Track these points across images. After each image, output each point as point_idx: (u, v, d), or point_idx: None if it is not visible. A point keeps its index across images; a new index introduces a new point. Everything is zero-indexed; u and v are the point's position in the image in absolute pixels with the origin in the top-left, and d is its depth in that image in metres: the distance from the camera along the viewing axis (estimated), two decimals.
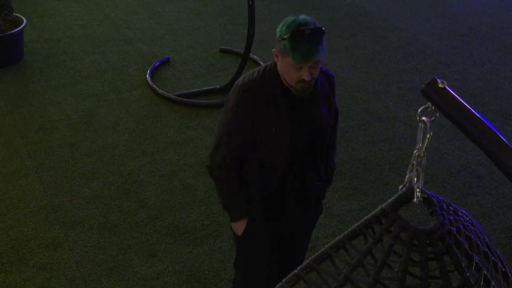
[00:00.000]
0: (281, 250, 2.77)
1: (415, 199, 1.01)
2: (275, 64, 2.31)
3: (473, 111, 0.99)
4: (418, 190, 1.01)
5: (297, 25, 2.14)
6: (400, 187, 1.04)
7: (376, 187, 4.00)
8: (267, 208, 2.49)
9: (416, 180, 1.02)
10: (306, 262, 1.01)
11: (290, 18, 2.19)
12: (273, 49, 2.26)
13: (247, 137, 2.37)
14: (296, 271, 1.00)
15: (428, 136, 1.01)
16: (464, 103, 1.00)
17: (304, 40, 2.11)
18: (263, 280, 2.75)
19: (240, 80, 2.38)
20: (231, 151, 2.39)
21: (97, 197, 3.83)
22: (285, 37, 2.14)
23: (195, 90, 5.01)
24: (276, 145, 2.36)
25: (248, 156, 2.41)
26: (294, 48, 2.12)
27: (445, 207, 1.05)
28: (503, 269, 1.06)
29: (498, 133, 0.99)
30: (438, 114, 1.03)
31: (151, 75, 5.15)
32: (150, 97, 4.90)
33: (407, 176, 1.04)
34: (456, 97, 0.99)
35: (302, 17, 2.19)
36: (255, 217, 2.53)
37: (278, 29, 2.20)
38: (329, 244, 1.01)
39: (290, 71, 2.20)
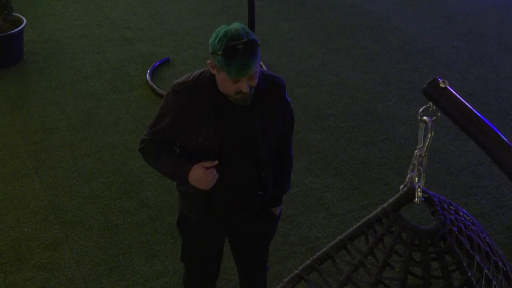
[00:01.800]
0: (235, 253, 2.75)
1: (416, 199, 1.00)
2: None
3: (474, 110, 0.99)
4: (419, 190, 1.01)
5: (229, 39, 2.06)
6: (401, 187, 1.03)
7: (376, 187, 4.00)
8: (206, 208, 2.44)
9: (418, 180, 1.02)
10: (307, 262, 1.01)
11: (221, 30, 2.11)
12: (208, 61, 2.19)
13: (169, 137, 2.36)
14: (297, 271, 1.00)
15: (429, 136, 1.01)
16: (466, 102, 0.99)
17: (237, 55, 2.05)
18: (207, 278, 2.74)
19: (177, 80, 2.36)
20: (153, 141, 2.39)
21: (97, 197, 3.83)
22: (218, 53, 2.07)
23: None
24: (202, 152, 2.30)
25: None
26: (228, 64, 2.06)
27: (446, 206, 1.05)
28: (504, 268, 1.06)
29: (499, 133, 0.99)
30: (439, 114, 1.03)
31: (151, 75, 5.15)
32: (150, 97, 4.90)
33: (408, 176, 1.03)
34: (458, 97, 0.99)
35: (235, 27, 2.10)
36: (194, 216, 2.49)
37: (210, 41, 2.12)
38: (330, 244, 1.01)
39: (227, 84, 2.15)
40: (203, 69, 2.32)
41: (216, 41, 2.09)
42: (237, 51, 2.05)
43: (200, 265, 2.70)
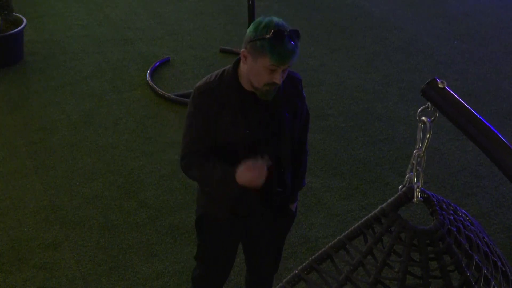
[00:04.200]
0: (249, 252, 2.74)
1: (415, 199, 1.01)
2: (233, 68, 2.27)
3: (472, 111, 0.99)
4: (418, 190, 1.01)
5: (276, 26, 2.11)
6: (400, 187, 1.04)
7: (376, 187, 4.00)
8: (232, 208, 2.44)
9: (416, 180, 1.02)
10: (306, 262, 1.01)
11: (265, 19, 2.15)
12: (242, 50, 2.20)
13: (206, 141, 2.32)
14: (296, 271, 1.01)
15: (427, 136, 1.01)
16: (464, 103, 1.00)
17: (284, 41, 2.10)
18: (221, 278, 2.74)
19: (199, 82, 2.36)
20: (193, 152, 2.34)
21: (97, 197, 3.83)
22: (264, 37, 2.10)
23: None
24: (232, 150, 2.30)
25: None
26: (273, 48, 2.09)
27: (445, 206, 1.06)
28: (503, 268, 1.06)
29: (497, 133, 0.99)
30: (437, 114, 1.03)
31: (151, 75, 5.15)
32: (150, 97, 4.90)
33: (407, 176, 1.04)
34: (456, 97, 0.99)
35: (276, 18, 2.16)
36: (218, 217, 2.48)
37: (251, 29, 2.16)
38: (330, 244, 1.01)
39: (261, 73, 2.16)
40: (223, 69, 2.33)
41: (261, 27, 2.13)
42: (285, 37, 2.10)
43: (215, 266, 2.70)
